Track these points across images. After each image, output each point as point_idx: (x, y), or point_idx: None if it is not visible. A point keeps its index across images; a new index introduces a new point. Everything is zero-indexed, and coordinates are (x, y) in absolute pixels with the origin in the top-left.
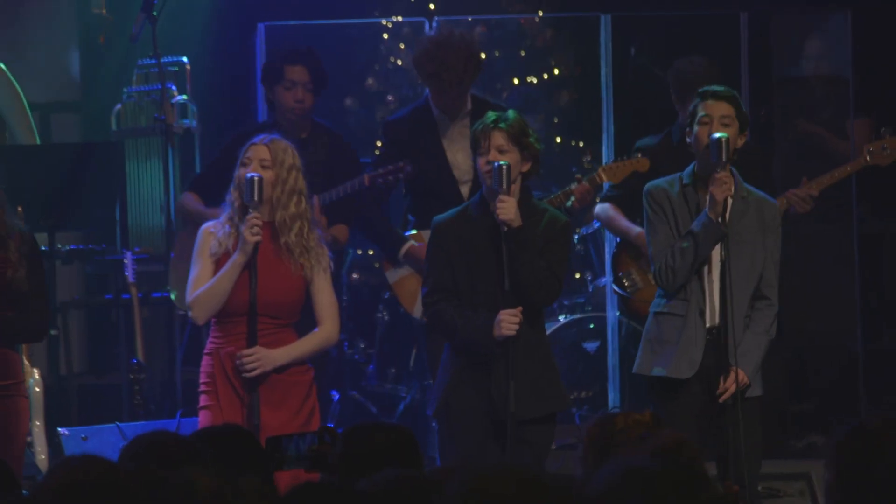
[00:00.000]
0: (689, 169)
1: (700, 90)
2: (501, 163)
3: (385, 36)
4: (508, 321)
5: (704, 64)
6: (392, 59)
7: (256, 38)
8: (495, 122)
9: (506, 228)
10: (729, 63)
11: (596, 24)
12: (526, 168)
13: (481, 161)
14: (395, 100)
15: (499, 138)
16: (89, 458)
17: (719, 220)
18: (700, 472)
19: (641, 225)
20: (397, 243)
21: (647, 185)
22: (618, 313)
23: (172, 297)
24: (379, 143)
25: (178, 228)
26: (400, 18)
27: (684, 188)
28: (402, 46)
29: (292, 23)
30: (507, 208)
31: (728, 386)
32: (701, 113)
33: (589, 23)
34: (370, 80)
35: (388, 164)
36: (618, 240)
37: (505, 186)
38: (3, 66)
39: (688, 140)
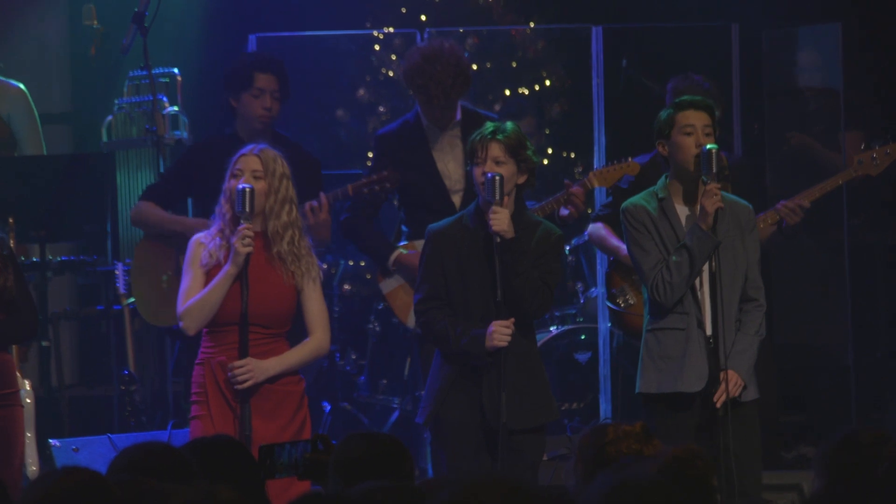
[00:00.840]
0: (661, 182)
1: (677, 100)
2: (495, 174)
3: (376, 47)
4: (501, 332)
5: (704, 81)
6: (383, 71)
7: (248, 49)
8: (493, 133)
9: (499, 239)
10: (720, 75)
11: (587, 36)
12: (522, 180)
13: (477, 171)
14: (386, 111)
15: (496, 149)
16: (74, 469)
17: (711, 230)
18: (706, 485)
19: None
20: (387, 251)
21: (624, 204)
22: (609, 324)
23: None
24: (371, 155)
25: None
26: (391, 30)
27: (661, 202)
28: (394, 58)
29: (284, 34)
30: (500, 219)
31: (724, 390)
32: (682, 123)
33: (580, 34)
34: (361, 92)
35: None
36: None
37: (498, 197)
38: (22, 87)
39: (658, 150)
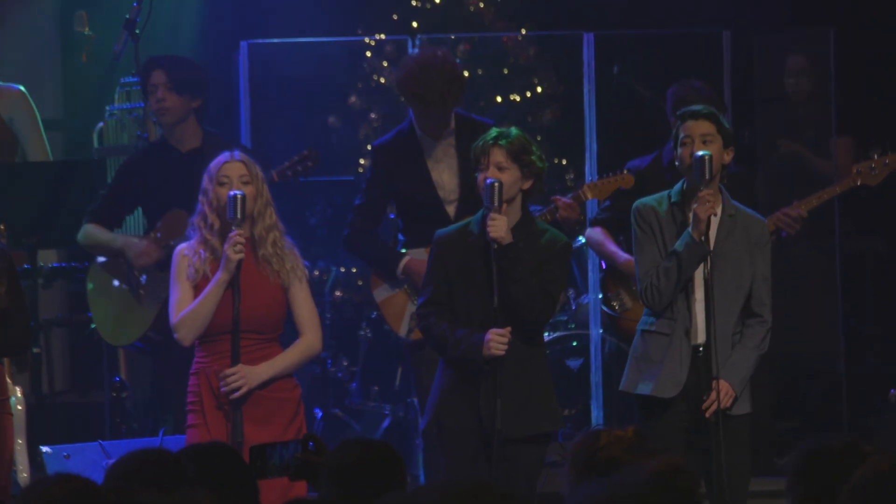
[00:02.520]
0: (677, 187)
1: (679, 112)
2: (494, 180)
3: (368, 54)
4: (497, 341)
5: (703, 87)
6: (375, 77)
7: (239, 56)
8: (496, 139)
9: (496, 246)
10: (712, 82)
11: (579, 43)
12: (527, 186)
13: (480, 178)
14: (377, 117)
15: (498, 155)
16: (66, 476)
17: (703, 238)
18: (694, 498)
19: (629, 246)
20: (395, 260)
21: (636, 204)
22: (601, 331)
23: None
24: (362, 162)
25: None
26: (383, 36)
27: (672, 206)
28: (385, 64)
29: (275, 41)
30: (498, 226)
31: (714, 400)
32: (682, 134)
33: (572, 41)
34: (353, 98)
35: (371, 186)
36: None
37: (497, 204)
38: (23, 89)
39: (676, 163)
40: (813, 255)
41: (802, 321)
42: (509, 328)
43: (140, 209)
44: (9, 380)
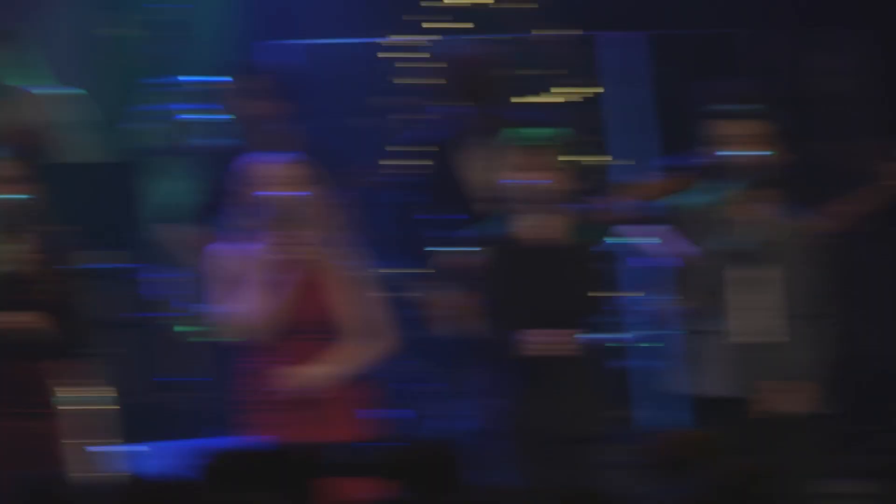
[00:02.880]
0: (715, 186)
1: (718, 111)
2: (533, 182)
3: (385, 55)
4: (544, 342)
5: (741, 85)
6: (392, 78)
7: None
8: (533, 139)
9: (537, 248)
10: (748, 82)
11: (610, 43)
12: (567, 187)
13: (518, 179)
14: (395, 119)
15: (531, 156)
16: (160, 476)
17: (744, 238)
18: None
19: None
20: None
21: (670, 203)
22: (649, 331)
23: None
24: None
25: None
26: (399, 37)
27: (708, 206)
28: (402, 65)
29: (291, 42)
30: (537, 227)
31: (772, 399)
32: (719, 133)
33: (600, 41)
34: (370, 99)
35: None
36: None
37: (536, 205)
38: (55, 92)
39: (713, 163)
40: (875, 253)
41: (865, 320)
42: (555, 330)
43: None
44: (84, 379)
